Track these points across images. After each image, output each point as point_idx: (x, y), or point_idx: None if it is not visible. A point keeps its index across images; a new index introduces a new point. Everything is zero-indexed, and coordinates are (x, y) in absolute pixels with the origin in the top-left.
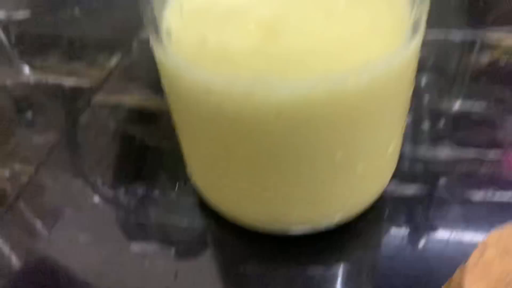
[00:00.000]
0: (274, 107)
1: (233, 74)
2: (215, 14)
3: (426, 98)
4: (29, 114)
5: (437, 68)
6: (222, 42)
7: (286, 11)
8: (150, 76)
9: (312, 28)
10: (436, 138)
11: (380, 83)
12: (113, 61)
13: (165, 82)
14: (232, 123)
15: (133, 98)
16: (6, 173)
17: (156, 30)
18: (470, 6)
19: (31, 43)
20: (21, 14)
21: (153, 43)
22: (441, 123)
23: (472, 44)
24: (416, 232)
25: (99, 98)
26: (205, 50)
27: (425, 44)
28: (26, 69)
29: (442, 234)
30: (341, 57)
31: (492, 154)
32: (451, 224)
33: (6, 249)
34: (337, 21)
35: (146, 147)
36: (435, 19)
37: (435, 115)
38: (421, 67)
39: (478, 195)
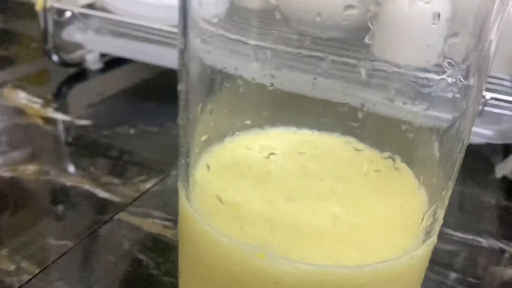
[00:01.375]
0: (272, 275)
1: (240, 234)
2: (238, 173)
3: None
4: (59, 208)
5: (464, 269)
6: (237, 201)
7: (303, 186)
8: (176, 208)
9: (324, 208)
10: None
11: (382, 283)
12: (148, 184)
13: (181, 221)
14: (234, 276)
15: (154, 224)
16: (12, 267)
17: (185, 174)
18: (501, 218)
19: (84, 147)
20: (83, 122)
21: (179, 183)
22: None
23: (501, 253)
24: None
25: (123, 215)
26: (221, 205)
27: (454, 241)
28: (72, 168)
29: None
30: (348, 247)
31: None
32: None
33: None
34: (351, 207)
35: (149, 275)
36: (465, 222)
37: None
38: (448, 263)
39: None
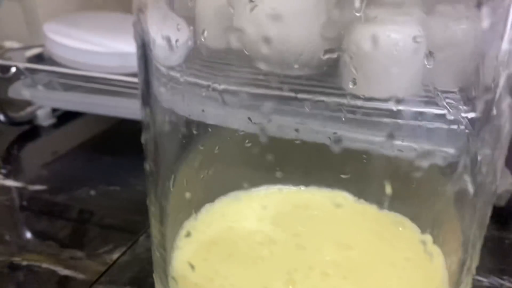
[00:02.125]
0: None
1: None
2: (222, 252)
3: None
4: None
5: None
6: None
7: (302, 261)
8: (149, 281)
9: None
10: None
11: None
12: (115, 254)
13: None
14: None
15: None
16: None
17: (161, 266)
18: (496, 251)
19: (39, 218)
20: (37, 187)
21: (154, 275)
22: None
23: None
24: None
25: None
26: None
27: None
28: (27, 244)
29: None
30: None
31: None
32: None
33: None
34: (360, 283)
35: None
36: None
37: None
38: None
39: None
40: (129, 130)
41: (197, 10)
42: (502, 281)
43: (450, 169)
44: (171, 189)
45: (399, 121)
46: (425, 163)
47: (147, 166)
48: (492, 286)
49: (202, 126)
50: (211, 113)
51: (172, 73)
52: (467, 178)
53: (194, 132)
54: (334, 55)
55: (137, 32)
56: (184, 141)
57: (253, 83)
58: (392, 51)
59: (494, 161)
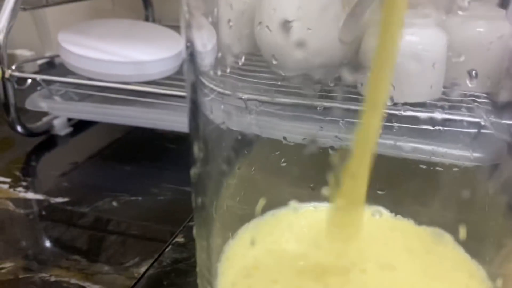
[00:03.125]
0: None
1: None
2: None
3: None
4: None
5: None
6: None
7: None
8: None
9: None
10: None
11: None
12: (143, 268)
13: None
14: None
15: None
16: None
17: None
18: None
19: (64, 231)
20: (59, 199)
21: None
22: None
23: None
24: None
25: None
26: None
27: None
28: (54, 259)
29: None
30: None
31: None
32: None
33: None
34: None
35: None
36: None
37: None
38: None
39: None
40: (144, 137)
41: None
42: None
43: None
44: (214, 216)
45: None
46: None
47: (197, 200)
48: None
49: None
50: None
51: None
52: None
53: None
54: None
55: (186, 43)
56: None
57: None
58: (410, 53)
59: None
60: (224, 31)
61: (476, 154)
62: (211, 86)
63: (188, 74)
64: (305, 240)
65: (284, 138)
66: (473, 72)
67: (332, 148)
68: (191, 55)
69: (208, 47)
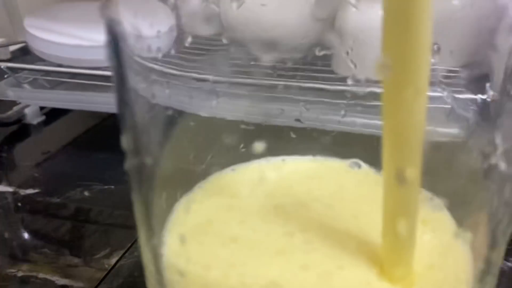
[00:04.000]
0: None
1: None
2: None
3: None
4: None
5: None
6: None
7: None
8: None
9: None
10: None
11: None
12: (113, 259)
13: None
14: None
15: None
16: None
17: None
18: None
19: (33, 224)
20: (30, 190)
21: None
22: None
23: None
24: None
25: None
26: None
27: None
28: (21, 253)
29: None
30: None
31: None
32: None
33: None
34: None
35: None
36: None
37: None
38: None
39: None
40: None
41: None
42: (508, 263)
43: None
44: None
45: None
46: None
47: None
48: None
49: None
50: (199, 104)
51: (154, 65)
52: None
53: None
54: (330, 52)
55: (108, 21)
56: (167, 132)
57: (244, 71)
58: (371, 27)
59: None
60: (188, 12)
61: (449, 130)
62: (163, 69)
63: (121, 59)
64: (270, 186)
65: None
66: (435, 46)
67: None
68: (121, 39)
69: (163, 30)
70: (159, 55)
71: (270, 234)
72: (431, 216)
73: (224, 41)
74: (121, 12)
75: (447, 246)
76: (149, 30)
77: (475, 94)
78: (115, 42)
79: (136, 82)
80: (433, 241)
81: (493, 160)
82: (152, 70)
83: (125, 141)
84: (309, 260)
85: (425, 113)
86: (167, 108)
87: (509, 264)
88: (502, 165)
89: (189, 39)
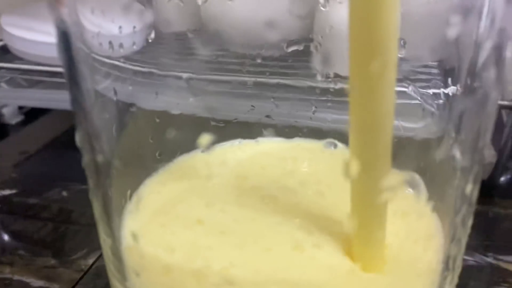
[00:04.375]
0: None
1: None
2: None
3: None
4: None
5: None
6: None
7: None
8: None
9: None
10: None
11: None
12: (91, 259)
13: None
14: None
15: None
16: None
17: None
18: (480, 227)
19: (10, 225)
20: (7, 191)
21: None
22: None
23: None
24: None
25: None
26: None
27: None
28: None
29: None
30: None
31: None
32: None
33: None
34: None
35: None
36: None
37: None
38: None
39: None
40: None
41: None
42: (487, 258)
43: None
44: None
45: None
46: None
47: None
48: (477, 264)
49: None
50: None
51: (117, 62)
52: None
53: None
54: (301, 47)
55: (59, 18)
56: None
57: (220, 68)
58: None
59: (481, 131)
60: (164, 8)
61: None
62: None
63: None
64: (228, 169)
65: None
66: (401, 41)
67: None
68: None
69: (138, 28)
70: (123, 52)
71: (238, 216)
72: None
73: (190, 35)
74: (77, 9)
75: (417, 227)
76: (110, 27)
77: (439, 88)
78: (64, 39)
79: (94, 80)
80: (404, 222)
81: (451, 152)
82: (115, 67)
83: (79, 139)
84: (275, 242)
85: (393, 96)
86: (131, 105)
87: (487, 259)
88: (457, 154)
89: (152, 35)
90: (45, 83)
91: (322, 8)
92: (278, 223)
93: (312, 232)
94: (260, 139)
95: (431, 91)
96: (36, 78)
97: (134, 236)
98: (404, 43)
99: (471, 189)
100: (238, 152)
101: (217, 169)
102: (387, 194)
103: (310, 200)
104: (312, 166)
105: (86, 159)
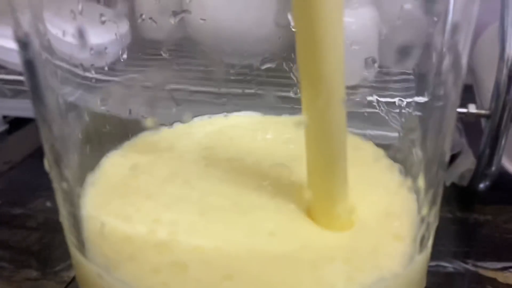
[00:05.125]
0: None
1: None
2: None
3: None
4: None
5: None
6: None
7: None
8: None
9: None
10: None
11: None
12: (73, 271)
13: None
14: None
15: None
16: None
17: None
18: (461, 233)
19: None
20: None
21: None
22: None
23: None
24: None
25: None
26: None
27: None
28: None
29: None
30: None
31: None
32: None
33: None
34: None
35: None
36: None
37: None
38: None
39: None
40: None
41: None
42: (466, 265)
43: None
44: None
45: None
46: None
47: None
48: (456, 271)
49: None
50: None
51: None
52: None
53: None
54: (273, 65)
55: (21, 28)
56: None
57: (204, 77)
58: (347, 35)
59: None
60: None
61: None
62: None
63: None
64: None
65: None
66: (370, 59)
67: None
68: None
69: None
70: (102, 61)
71: (203, 186)
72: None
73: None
74: (48, 18)
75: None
76: (79, 36)
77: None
78: (24, 49)
79: (59, 89)
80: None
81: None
82: (80, 76)
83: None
84: (239, 210)
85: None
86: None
87: (467, 266)
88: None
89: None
90: (29, 92)
91: None
92: (243, 193)
93: (274, 197)
94: (229, 114)
95: (393, 99)
96: (20, 88)
97: (94, 207)
98: (373, 61)
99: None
100: (206, 125)
101: (183, 141)
102: None
103: (277, 170)
104: (283, 139)
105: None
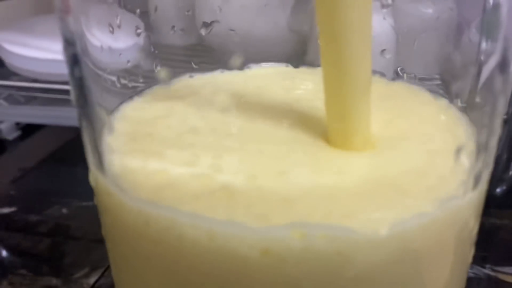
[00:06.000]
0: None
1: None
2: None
3: None
4: None
5: None
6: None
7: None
8: None
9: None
10: None
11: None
12: (92, 278)
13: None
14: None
15: None
16: None
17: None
18: None
19: (10, 244)
20: (6, 209)
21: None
22: None
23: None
24: None
25: None
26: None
27: None
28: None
29: None
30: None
31: None
32: None
33: None
34: None
35: None
36: None
37: None
38: None
39: None
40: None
41: (150, 4)
42: (485, 270)
43: None
44: None
45: None
46: None
47: None
48: (475, 276)
49: None
50: None
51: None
52: None
53: None
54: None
55: (67, 34)
56: None
57: None
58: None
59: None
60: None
61: None
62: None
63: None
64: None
65: None
66: (398, 69)
67: None
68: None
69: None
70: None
71: (235, 123)
72: None
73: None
74: (82, 24)
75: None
76: (115, 42)
77: None
78: (74, 56)
79: (100, 96)
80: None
81: None
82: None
83: None
84: (266, 148)
85: None
86: None
87: (485, 271)
88: None
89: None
90: (42, 99)
91: None
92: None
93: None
94: (247, 69)
95: None
96: (32, 94)
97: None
98: (402, 71)
99: None
100: (230, 76)
101: (207, 88)
102: None
103: (303, 112)
104: (311, 86)
105: None
